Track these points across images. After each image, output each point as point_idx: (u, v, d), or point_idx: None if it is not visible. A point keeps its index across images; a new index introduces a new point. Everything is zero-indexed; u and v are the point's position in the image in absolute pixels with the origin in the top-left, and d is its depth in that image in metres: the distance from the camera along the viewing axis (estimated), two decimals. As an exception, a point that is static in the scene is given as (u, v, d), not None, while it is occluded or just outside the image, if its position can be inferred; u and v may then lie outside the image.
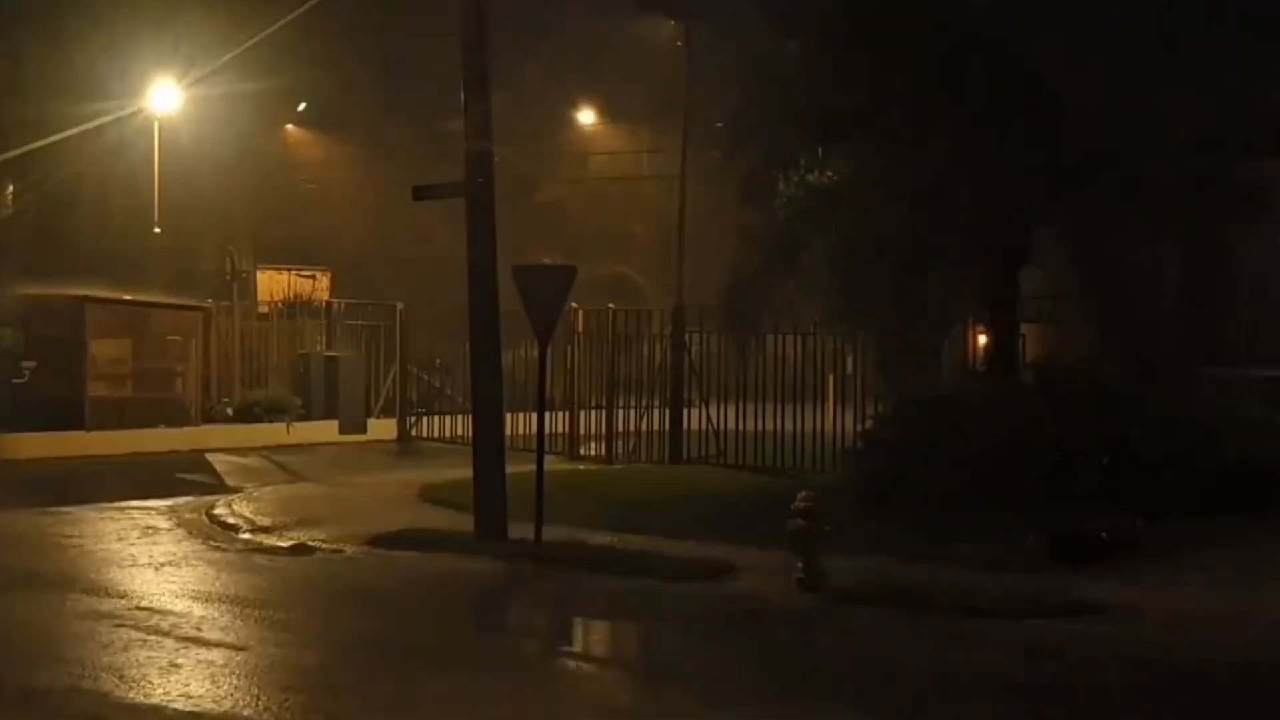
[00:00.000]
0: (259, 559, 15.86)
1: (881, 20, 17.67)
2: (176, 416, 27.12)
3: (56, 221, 35.35)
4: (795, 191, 18.90)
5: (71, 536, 16.92)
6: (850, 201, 18.10)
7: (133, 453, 25.23)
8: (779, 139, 18.90)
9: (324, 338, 30.61)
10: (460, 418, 25.89)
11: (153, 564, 15.01)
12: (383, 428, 28.74)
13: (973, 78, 17.17)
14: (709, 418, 24.79)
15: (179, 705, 9.60)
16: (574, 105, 47.01)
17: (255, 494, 20.66)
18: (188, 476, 22.88)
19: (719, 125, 22.76)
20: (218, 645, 11.26)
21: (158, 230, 35.30)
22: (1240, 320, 20.84)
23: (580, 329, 26.32)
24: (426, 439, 28.33)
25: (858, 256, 18.05)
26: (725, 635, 12.20)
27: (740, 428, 23.88)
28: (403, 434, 28.99)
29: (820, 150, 18.97)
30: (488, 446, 16.71)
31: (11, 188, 36.68)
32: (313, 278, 39.04)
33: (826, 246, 18.49)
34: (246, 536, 17.22)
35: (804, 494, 13.74)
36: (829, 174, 18.89)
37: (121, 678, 10.24)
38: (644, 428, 25.51)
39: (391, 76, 41.54)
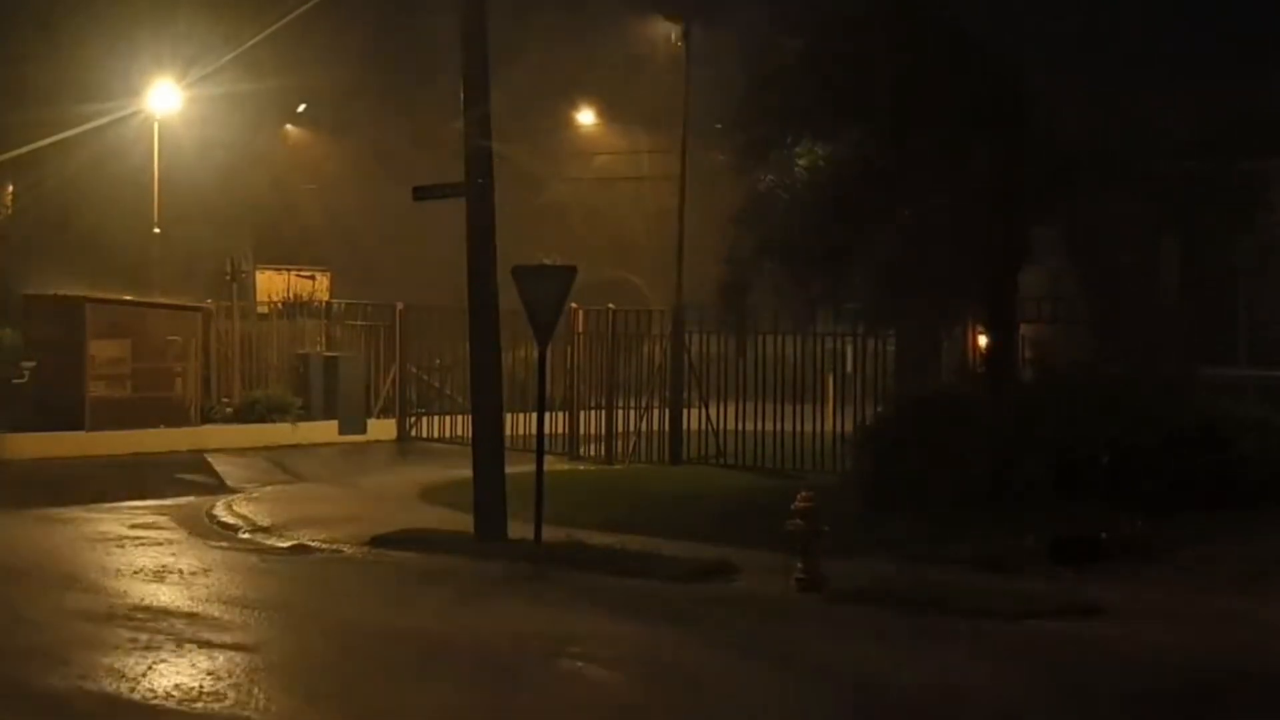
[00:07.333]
0: (258, 559, 15.87)
1: (876, 20, 17.69)
2: (176, 416, 27.09)
3: (56, 222, 35.38)
4: (790, 191, 18.93)
5: (71, 537, 16.94)
6: (847, 200, 18.10)
7: (132, 453, 25.22)
8: (774, 134, 18.95)
9: (324, 338, 30.59)
10: (460, 418, 25.87)
11: (152, 564, 15.00)
12: (382, 428, 28.72)
13: (968, 77, 17.17)
14: (709, 418, 24.79)
15: (179, 705, 9.60)
16: (573, 105, 46.98)
17: (255, 494, 20.66)
18: (187, 476, 22.88)
19: (718, 126, 22.77)
20: (217, 645, 11.26)
21: (158, 230, 35.30)
22: (1240, 320, 20.84)
23: (580, 329, 26.31)
24: (426, 439, 28.33)
25: (853, 255, 18.07)
26: (724, 636, 12.19)
27: (740, 428, 23.88)
28: (402, 434, 28.98)
29: (816, 147, 19.00)
30: (487, 447, 16.71)
31: (11, 188, 36.72)
32: (312, 278, 39.03)
33: (822, 245, 18.48)
34: (246, 536, 17.24)
35: (803, 494, 13.75)
36: (824, 169, 18.91)
37: (122, 677, 10.25)
38: (644, 428, 25.50)
39: (391, 76, 41.53)
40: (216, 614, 12.55)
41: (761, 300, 20.13)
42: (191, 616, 12.37)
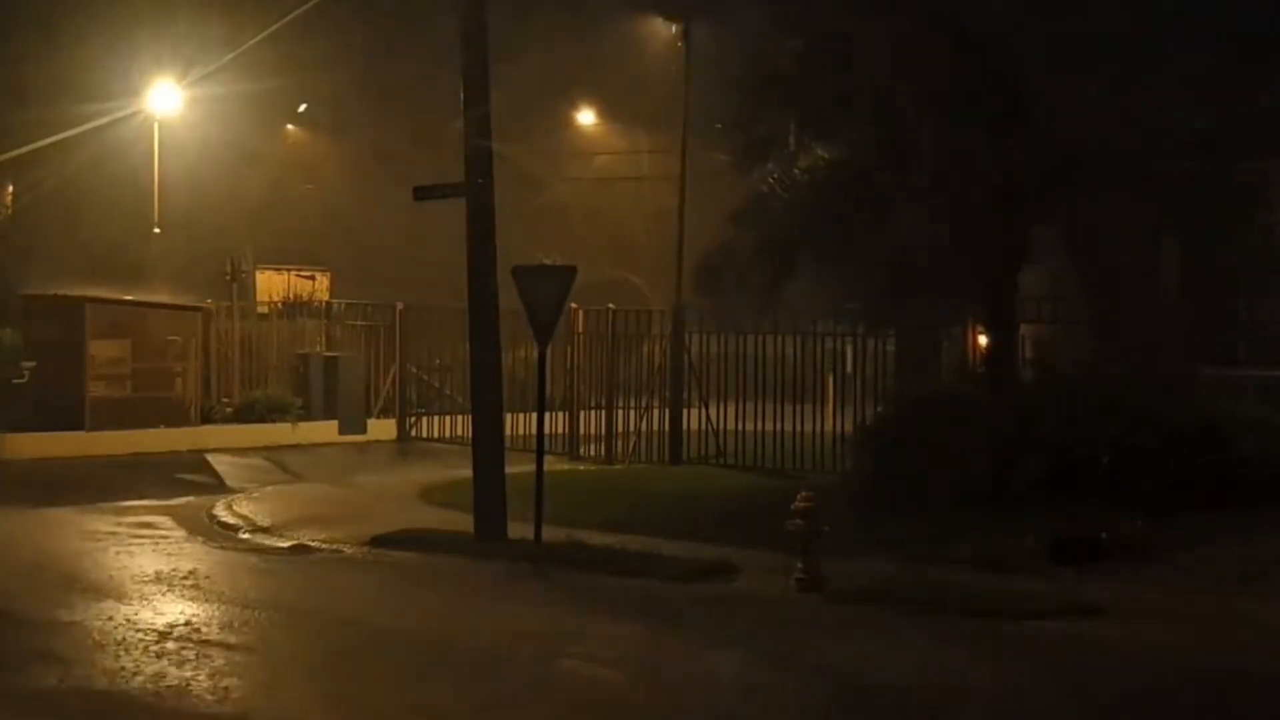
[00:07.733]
0: (258, 559, 15.87)
1: (877, 20, 17.71)
2: (176, 416, 27.08)
3: (56, 222, 35.39)
4: (790, 191, 18.95)
5: (71, 537, 16.93)
6: (847, 199, 18.11)
7: (132, 453, 25.22)
8: (774, 134, 18.97)
9: (324, 338, 30.59)
10: (460, 418, 25.87)
11: (152, 564, 15.00)
12: (382, 428, 28.72)
13: (968, 77, 17.18)
14: (709, 418, 24.79)
15: (179, 705, 9.60)
16: (573, 105, 47.00)
17: (255, 494, 20.65)
18: (187, 476, 22.88)
19: (718, 126, 22.79)
20: (217, 645, 11.26)
21: (158, 230, 35.30)
22: (1240, 320, 20.82)
23: (580, 329, 26.31)
24: (426, 439, 28.33)
25: (852, 254, 18.08)
26: (724, 636, 12.19)
27: (740, 428, 23.89)
28: (402, 434, 28.97)
29: (816, 147, 19.02)
30: (487, 447, 16.71)
31: (11, 188, 36.73)
32: (312, 278, 38.99)
33: (822, 245, 18.50)
34: (246, 536, 17.24)
35: (803, 494, 13.75)
36: (824, 168, 18.92)
37: (121, 677, 10.25)
38: (644, 428, 25.51)
39: (391, 76, 41.55)
40: (216, 614, 12.55)
41: (760, 299, 20.13)
42: (191, 616, 12.37)
